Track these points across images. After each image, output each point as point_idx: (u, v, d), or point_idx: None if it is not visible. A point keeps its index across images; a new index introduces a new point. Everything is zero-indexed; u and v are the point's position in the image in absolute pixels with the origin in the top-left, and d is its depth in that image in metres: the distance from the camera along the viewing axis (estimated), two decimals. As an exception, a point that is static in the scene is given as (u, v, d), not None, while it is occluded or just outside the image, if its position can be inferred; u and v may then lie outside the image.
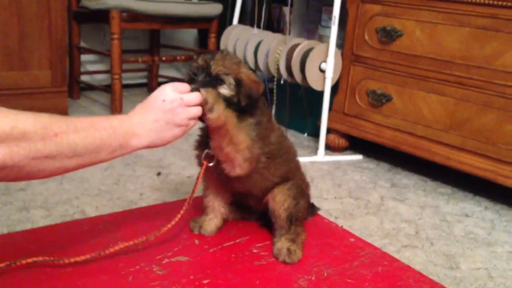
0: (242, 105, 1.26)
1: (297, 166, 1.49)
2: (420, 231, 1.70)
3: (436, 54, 2.05)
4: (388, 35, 2.18)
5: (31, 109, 2.65)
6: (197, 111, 1.21)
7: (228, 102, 1.25)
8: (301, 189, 1.45)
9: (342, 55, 2.39)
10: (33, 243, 1.36)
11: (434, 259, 1.52)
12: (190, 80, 1.27)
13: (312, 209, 1.62)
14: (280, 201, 1.39)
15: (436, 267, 1.48)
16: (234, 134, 1.26)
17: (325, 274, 1.33)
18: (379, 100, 2.26)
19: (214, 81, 1.25)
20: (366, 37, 2.28)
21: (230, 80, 1.25)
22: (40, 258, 1.22)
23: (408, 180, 2.16)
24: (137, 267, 1.29)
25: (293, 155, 1.47)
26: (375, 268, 1.38)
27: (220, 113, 1.21)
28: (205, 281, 1.26)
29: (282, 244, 1.38)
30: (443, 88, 2.05)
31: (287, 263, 1.36)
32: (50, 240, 1.38)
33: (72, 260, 1.24)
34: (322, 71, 2.35)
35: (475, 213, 1.89)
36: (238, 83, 1.25)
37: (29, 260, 1.21)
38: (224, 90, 1.25)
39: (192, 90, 1.22)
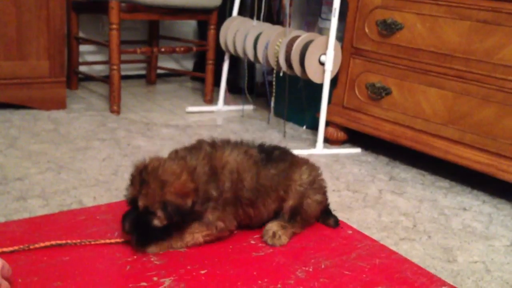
0: (175, 221, 1.28)
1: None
2: (418, 224, 1.70)
3: (436, 48, 2.04)
4: (389, 28, 2.17)
5: (29, 99, 2.64)
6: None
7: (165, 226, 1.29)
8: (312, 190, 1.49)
9: (342, 47, 2.38)
10: (30, 232, 1.35)
11: (431, 252, 1.52)
12: (125, 216, 1.30)
13: (328, 217, 1.59)
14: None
15: (434, 260, 1.48)
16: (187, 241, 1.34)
17: (323, 266, 1.33)
18: (378, 93, 2.25)
19: (144, 216, 1.27)
20: (366, 29, 2.27)
21: (158, 211, 1.26)
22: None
23: (406, 173, 2.16)
24: (135, 257, 1.29)
25: (281, 184, 1.45)
26: (373, 261, 1.38)
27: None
28: (202, 272, 1.26)
29: (271, 226, 1.43)
30: (443, 82, 2.04)
31: (268, 244, 1.40)
32: (47, 229, 1.38)
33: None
34: (322, 64, 2.34)
35: (473, 207, 1.89)
36: (165, 206, 1.26)
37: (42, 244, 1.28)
38: (157, 221, 1.27)
39: (127, 233, 1.29)
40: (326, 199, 1.56)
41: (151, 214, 1.27)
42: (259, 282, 1.24)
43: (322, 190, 1.54)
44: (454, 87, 2.01)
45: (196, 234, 1.34)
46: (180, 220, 1.29)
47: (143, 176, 1.28)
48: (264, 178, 1.41)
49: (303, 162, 1.54)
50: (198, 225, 1.34)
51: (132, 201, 1.29)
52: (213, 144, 1.42)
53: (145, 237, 1.29)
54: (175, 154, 1.36)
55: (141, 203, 1.26)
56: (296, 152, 2.27)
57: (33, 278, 1.17)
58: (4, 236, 1.32)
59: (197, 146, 1.40)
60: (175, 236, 1.33)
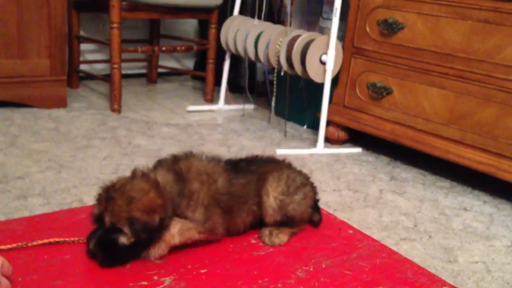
0: (142, 239, 1.23)
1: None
2: (419, 224, 1.70)
3: (437, 47, 2.04)
4: (390, 28, 2.17)
5: (30, 98, 2.65)
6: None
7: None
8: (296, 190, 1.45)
9: (343, 47, 2.38)
10: (30, 230, 1.35)
11: (432, 252, 1.52)
12: (90, 236, 1.24)
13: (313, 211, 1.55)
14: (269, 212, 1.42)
15: (434, 260, 1.47)
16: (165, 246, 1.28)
17: (323, 265, 1.33)
18: (379, 93, 2.25)
19: (110, 234, 1.21)
20: (368, 29, 2.27)
21: (125, 228, 1.21)
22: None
23: (407, 173, 2.16)
24: (135, 256, 1.29)
25: (251, 193, 1.40)
26: (374, 260, 1.38)
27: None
28: (202, 271, 1.26)
29: (268, 229, 1.43)
30: (444, 82, 2.04)
31: (267, 244, 1.40)
32: (47, 227, 1.38)
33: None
34: (323, 63, 2.34)
35: (474, 207, 1.88)
36: (132, 222, 1.20)
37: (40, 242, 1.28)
38: (123, 239, 1.22)
39: (92, 252, 1.23)
40: (311, 189, 1.50)
41: (118, 231, 1.21)
42: (260, 281, 1.24)
43: (303, 185, 1.47)
44: (455, 87, 2.01)
45: (192, 230, 1.30)
46: (148, 237, 1.23)
47: (110, 193, 1.24)
48: (235, 185, 1.37)
49: (270, 170, 1.45)
50: (191, 222, 1.29)
51: (98, 219, 1.24)
52: (175, 157, 1.37)
53: (111, 255, 1.23)
54: (142, 173, 1.31)
55: (107, 219, 1.21)
56: (296, 152, 2.29)
57: (33, 276, 1.17)
58: (4, 234, 1.32)
59: (160, 164, 1.35)
60: (171, 233, 1.27)
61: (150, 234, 1.23)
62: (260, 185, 1.41)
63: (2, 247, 1.25)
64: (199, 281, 1.22)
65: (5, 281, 1.07)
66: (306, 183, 1.50)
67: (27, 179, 1.75)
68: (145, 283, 1.19)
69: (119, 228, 1.21)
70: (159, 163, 1.36)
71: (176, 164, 1.33)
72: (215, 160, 1.40)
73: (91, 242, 1.22)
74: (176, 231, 1.28)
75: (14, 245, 1.27)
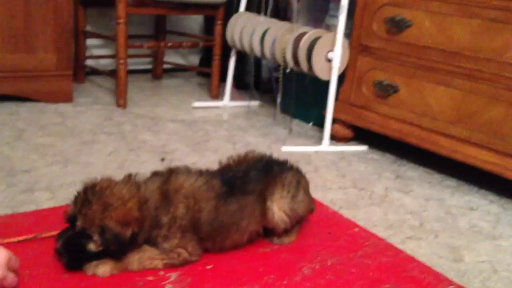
0: (111, 250, 1.18)
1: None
2: (425, 223, 1.70)
3: (445, 46, 2.03)
4: (397, 26, 2.16)
5: (36, 92, 2.65)
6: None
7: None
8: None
9: (350, 44, 2.37)
10: (37, 224, 1.36)
11: (438, 251, 1.52)
12: (60, 234, 1.20)
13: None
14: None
15: (440, 259, 1.47)
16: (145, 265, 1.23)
17: (329, 263, 1.33)
18: (385, 91, 2.24)
19: (79, 238, 1.17)
20: (374, 27, 2.26)
21: (95, 235, 1.16)
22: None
23: (413, 172, 2.15)
24: (141, 251, 1.29)
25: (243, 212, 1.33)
26: (380, 258, 1.38)
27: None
28: (208, 267, 1.26)
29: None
30: (451, 80, 2.03)
31: (275, 244, 1.39)
32: (53, 221, 1.38)
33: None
34: (329, 61, 2.33)
35: (480, 206, 1.88)
36: (103, 231, 1.15)
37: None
38: (91, 246, 1.17)
39: (58, 252, 1.17)
40: (304, 178, 1.47)
41: (87, 236, 1.16)
42: (265, 278, 1.24)
43: (298, 180, 1.42)
44: (463, 86, 2.00)
45: (155, 260, 1.23)
46: (117, 249, 1.18)
47: (88, 195, 1.18)
48: (223, 214, 1.29)
49: (268, 186, 1.37)
50: (158, 252, 1.23)
51: (70, 219, 1.19)
52: (171, 172, 1.30)
53: (76, 260, 1.19)
54: (129, 178, 1.25)
55: (79, 222, 1.16)
56: (301, 149, 2.28)
57: (40, 269, 1.18)
58: (11, 228, 1.32)
59: (154, 176, 1.30)
60: (132, 259, 1.22)
61: (119, 247, 1.18)
62: (262, 205, 1.35)
63: (10, 240, 1.25)
64: (204, 277, 1.22)
65: (11, 275, 1.07)
66: (299, 175, 1.45)
67: (33, 173, 1.75)
68: (152, 278, 1.19)
69: (89, 234, 1.16)
70: (154, 175, 1.30)
71: (166, 183, 1.26)
72: (211, 177, 1.31)
73: (59, 241, 1.18)
74: (137, 258, 1.22)
75: (21, 238, 1.27)
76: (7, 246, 1.14)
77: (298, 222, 1.43)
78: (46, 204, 1.53)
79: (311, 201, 1.50)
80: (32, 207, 1.51)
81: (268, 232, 1.41)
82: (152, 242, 1.23)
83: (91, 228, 1.16)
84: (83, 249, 1.17)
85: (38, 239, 1.29)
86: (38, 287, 1.13)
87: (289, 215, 1.37)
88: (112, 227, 1.15)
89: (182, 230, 1.24)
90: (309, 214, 1.50)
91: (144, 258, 1.22)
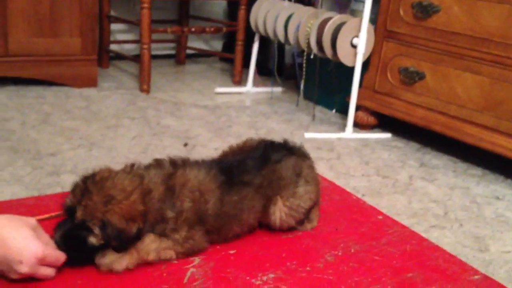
0: (113, 246, 1.12)
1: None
2: (449, 212, 1.68)
3: (473, 31, 1.99)
4: (424, 11, 2.12)
5: (62, 76, 2.67)
6: (50, 272, 1.09)
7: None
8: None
9: (375, 30, 2.33)
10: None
11: (463, 241, 1.50)
12: (58, 226, 1.13)
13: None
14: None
15: (465, 249, 1.45)
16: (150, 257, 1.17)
17: (352, 250, 1.32)
18: (411, 77, 2.21)
19: (79, 231, 1.10)
20: (401, 12, 2.21)
21: (96, 229, 1.09)
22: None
23: (437, 160, 2.12)
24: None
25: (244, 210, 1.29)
26: (403, 247, 1.36)
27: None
28: (231, 252, 1.26)
29: None
30: (479, 67, 1.99)
31: (299, 229, 1.38)
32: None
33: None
34: (354, 47, 2.30)
35: (507, 196, 1.84)
36: (105, 225, 1.09)
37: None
38: (93, 239, 1.10)
39: (57, 244, 1.10)
40: (310, 164, 1.41)
41: (87, 229, 1.09)
42: (288, 264, 1.24)
43: (300, 180, 1.36)
44: (491, 73, 1.95)
45: (170, 251, 1.19)
46: (119, 245, 1.12)
47: (88, 185, 1.11)
48: (227, 205, 1.25)
49: (265, 179, 1.31)
50: (172, 242, 1.18)
51: (69, 210, 1.12)
52: (174, 164, 1.25)
53: (77, 253, 1.11)
54: (131, 168, 1.19)
55: (78, 214, 1.09)
56: (324, 136, 2.27)
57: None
58: (38, 210, 1.35)
59: (157, 166, 1.23)
60: (148, 248, 1.16)
61: (122, 243, 1.12)
62: (262, 202, 1.31)
63: (41, 217, 1.28)
64: (227, 261, 1.22)
65: (43, 271, 1.07)
66: (298, 164, 1.37)
67: (59, 156, 1.78)
68: (175, 261, 1.20)
69: (89, 226, 1.09)
70: (157, 165, 1.23)
71: (171, 177, 1.20)
72: (210, 168, 1.26)
73: (57, 233, 1.11)
74: (153, 248, 1.16)
75: (53, 214, 1.30)
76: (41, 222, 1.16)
77: (311, 208, 1.38)
78: (72, 187, 1.55)
79: (317, 183, 1.41)
80: (58, 190, 1.53)
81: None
82: (158, 232, 1.17)
83: (92, 222, 1.09)
84: (83, 242, 1.10)
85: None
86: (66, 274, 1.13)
87: (292, 215, 1.34)
88: (116, 223, 1.09)
89: (188, 223, 1.19)
90: (320, 196, 1.45)
91: (161, 248, 1.17)
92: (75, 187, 1.14)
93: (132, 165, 1.20)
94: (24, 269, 1.03)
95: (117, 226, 1.09)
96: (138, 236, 1.14)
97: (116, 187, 1.12)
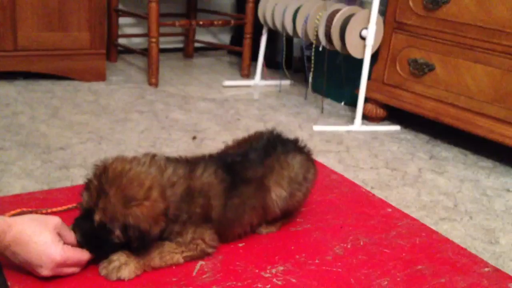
0: (134, 247, 1.09)
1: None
2: (459, 204, 1.66)
3: (484, 22, 1.96)
4: (434, 2, 2.09)
5: (70, 70, 2.68)
6: (74, 271, 1.09)
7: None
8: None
9: (384, 22, 2.31)
10: (72, 200, 1.38)
11: (473, 233, 1.49)
12: (77, 223, 1.11)
13: None
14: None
15: (475, 241, 1.44)
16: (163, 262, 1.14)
17: (361, 243, 1.32)
18: (421, 69, 2.19)
19: (99, 232, 1.07)
20: (411, 3, 2.19)
21: (117, 231, 1.06)
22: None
23: (447, 152, 2.11)
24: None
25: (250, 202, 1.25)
26: (413, 239, 1.36)
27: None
28: (240, 245, 1.27)
29: None
30: (490, 58, 1.96)
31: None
32: (89, 198, 1.41)
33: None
34: (363, 38, 2.29)
35: (517, 188, 1.83)
36: (126, 227, 1.06)
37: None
38: (114, 238, 1.08)
39: (80, 244, 1.09)
40: (307, 157, 1.37)
41: (108, 230, 1.07)
42: (297, 256, 1.24)
43: (294, 156, 1.32)
44: (502, 64, 1.93)
45: (176, 255, 1.15)
46: (141, 245, 1.09)
47: (102, 183, 1.06)
48: (230, 209, 1.21)
49: (266, 174, 1.27)
50: (175, 245, 1.15)
51: (86, 211, 1.09)
52: (189, 161, 1.22)
53: (101, 250, 1.10)
54: (151, 159, 1.13)
55: (97, 217, 1.06)
56: (333, 128, 2.26)
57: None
58: (48, 203, 1.36)
59: (176, 162, 1.19)
60: (152, 254, 1.13)
61: (144, 244, 1.09)
62: (263, 195, 1.27)
63: (54, 209, 1.30)
64: (236, 254, 1.23)
65: (65, 271, 1.07)
66: (306, 165, 1.33)
67: (68, 150, 1.78)
68: (184, 254, 1.20)
69: (110, 228, 1.06)
70: (177, 161, 1.19)
71: (192, 176, 1.17)
72: (217, 167, 1.21)
73: (77, 232, 1.10)
74: (157, 253, 1.13)
75: (65, 207, 1.32)
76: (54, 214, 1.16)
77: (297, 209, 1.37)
78: (81, 181, 1.53)
79: (308, 191, 1.36)
80: (67, 184, 1.54)
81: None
82: (165, 235, 1.14)
83: (112, 223, 1.06)
84: (104, 240, 1.08)
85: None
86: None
87: (285, 209, 1.31)
88: (138, 225, 1.05)
89: (195, 224, 1.16)
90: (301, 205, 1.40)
91: (165, 252, 1.14)
92: (89, 185, 1.10)
93: (154, 156, 1.15)
94: (44, 272, 1.04)
95: (140, 228, 1.06)
96: (161, 236, 1.12)
97: (133, 183, 1.06)
